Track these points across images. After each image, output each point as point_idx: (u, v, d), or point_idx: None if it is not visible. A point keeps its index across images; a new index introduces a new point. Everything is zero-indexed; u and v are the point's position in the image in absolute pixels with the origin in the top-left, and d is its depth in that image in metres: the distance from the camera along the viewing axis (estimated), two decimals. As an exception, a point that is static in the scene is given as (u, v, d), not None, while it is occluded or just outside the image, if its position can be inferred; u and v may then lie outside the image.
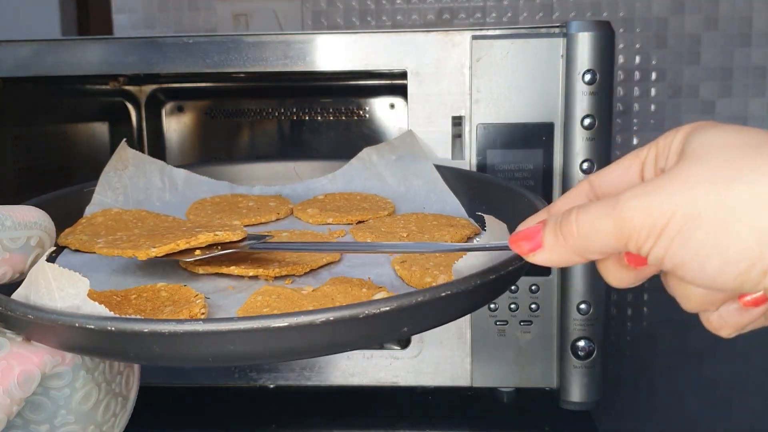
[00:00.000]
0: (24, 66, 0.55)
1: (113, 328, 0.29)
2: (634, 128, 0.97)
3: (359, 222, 0.50)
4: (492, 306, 0.54)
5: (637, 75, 0.96)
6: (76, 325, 0.30)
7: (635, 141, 0.97)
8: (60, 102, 0.72)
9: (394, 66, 0.53)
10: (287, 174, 0.60)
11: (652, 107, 0.97)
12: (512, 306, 0.53)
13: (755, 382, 0.63)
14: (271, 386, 0.57)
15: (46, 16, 0.97)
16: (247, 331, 0.28)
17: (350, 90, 0.85)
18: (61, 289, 0.34)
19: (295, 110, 0.89)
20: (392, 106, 0.87)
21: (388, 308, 0.29)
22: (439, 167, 0.54)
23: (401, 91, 0.82)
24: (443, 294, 0.31)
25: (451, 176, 0.53)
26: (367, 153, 0.58)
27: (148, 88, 0.85)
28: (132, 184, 0.54)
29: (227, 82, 0.83)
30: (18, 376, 0.33)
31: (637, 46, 0.96)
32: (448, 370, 0.55)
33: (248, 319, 0.28)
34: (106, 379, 0.38)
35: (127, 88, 0.83)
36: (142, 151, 0.85)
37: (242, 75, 0.57)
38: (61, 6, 0.97)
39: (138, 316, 0.34)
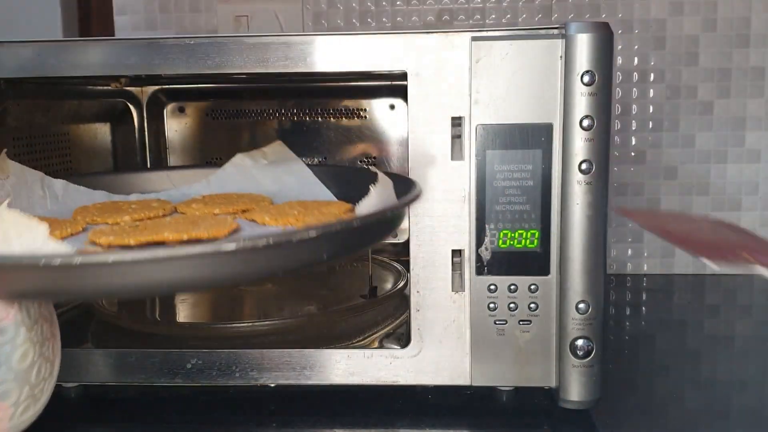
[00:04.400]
0: (26, 67, 0.55)
1: (79, 262, 0.30)
2: (633, 129, 0.97)
3: (244, 211, 0.53)
4: (491, 305, 0.54)
5: (635, 76, 0.97)
6: (41, 263, 0.30)
7: (633, 142, 0.98)
8: (61, 103, 0.72)
9: (394, 67, 0.53)
10: (161, 182, 0.63)
11: (651, 108, 0.97)
12: (511, 305, 0.54)
13: (755, 382, 0.64)
14: (272, 386, 0.57)
15: (47, 18, 0.97)
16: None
17: (350, 91, 0.85)
18: (19, 235, 0.35)
19: (295, 111, 0.89)
20: (392, 107, 0.87)
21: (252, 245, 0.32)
22: (308, 166, 0.60)
23: (401, 92, 0.82)
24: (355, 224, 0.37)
25: (318, 172, 0.60)
26: (239, 158, 0.61)
27: (150, 89, 0.85)
28: (14, 192, 0.55)
29: (228, 83, 0.83)
30: None
31: (636, 47, 0.96)
32: (447, 369, 0.55)
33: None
34: (39, 341, 0.39)
35: (128, 89, 0.83)
36: (144, 152, 0.85)
37: (243, 76, 0.57)
38: (63, 7, 0.97)
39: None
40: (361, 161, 0.90)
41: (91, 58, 0.54)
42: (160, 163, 0.88)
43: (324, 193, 0.58)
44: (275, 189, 0.59)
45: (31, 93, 0.66)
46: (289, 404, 0.59)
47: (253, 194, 0.58)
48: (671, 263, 1.00)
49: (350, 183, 0.58)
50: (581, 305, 0.52)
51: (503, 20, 0.97)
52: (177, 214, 0.54)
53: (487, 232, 0.53)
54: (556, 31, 0.51)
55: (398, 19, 0.98)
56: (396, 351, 0.56)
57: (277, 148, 0.62)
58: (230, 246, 0.32)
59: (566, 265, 0.52)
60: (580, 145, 0.51)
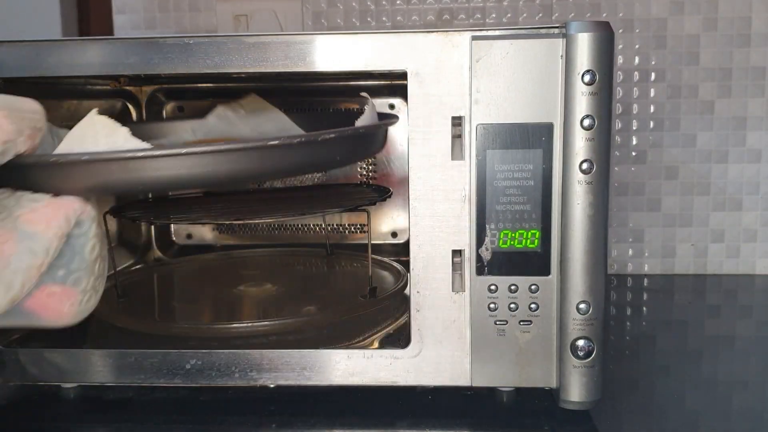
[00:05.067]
0: (25, 66, 0.55)
1: (161, 153, 0.43)
2: (634, 128, 0.97)
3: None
4: (492, 306, 0.54)
5: (636, 75, 0.96)
6: (138, 155, 0.42)
7: (634, 141, 0.97)
8: (60, 103, 0.72)
9: (394, 66, 0.53)
10: (152, 136, 0.65)
11: (652, 108, 0.97)
12: (512, 306, 0.54)
13: (755, 382, 0.64)
14: (271, 386, 0.57)
15: (46, 17, 0.97)
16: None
17: (350, 90, 0.85)
18: (107, 135, 0.44)
19: (295, 110, 0.89)
20: (392, 106, 0.87)
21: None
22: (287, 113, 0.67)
23: (401, 92, 0.82)
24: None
25: (298, 119, 0.67)
26: (221, 109, 0.67)
27: (149, 89, 0.85)
28: None
29: (228, 82, 0.83)
30: (64, 214, 0.41)
31: (637, 46, 0.96)
32: (447, 369, 0.55)
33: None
34: (101, 238, 0.44)
35: (127, 88, 0.83)
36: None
37: (243, 76, 0.57)
38: (62, 7, 0.97)
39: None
40: (360, 161, 0.90)
41: (90, 58, 0.54)
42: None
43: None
44: (256, 134, 0.64)
45: (30, 93, 0.66)
46: (289, 405, 0.59)
47: (235, 139, 0.64)
48: (672, 263, 0.99)
49: (328, 127, 0.58)
50: (582, 305, 0.52)
51: (504, 19, 0.97)
52: None
53: (488, 232, 0.53)
54: (556, 31, 0.51)
55: (398, 18, 0.98)
56: (396, 351, 0.55)
57: (253, 100, 0.67)
58: (275, 141, 0.45)
59: (567, 265, 0.52)
60: (581, 145, 0.51)
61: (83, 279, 0.43)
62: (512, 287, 0.53)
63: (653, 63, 0.96)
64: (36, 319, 0.43)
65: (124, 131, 0.45)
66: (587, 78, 0.50)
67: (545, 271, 0.53)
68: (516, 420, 0.56)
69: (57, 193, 0.42)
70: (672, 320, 0.82)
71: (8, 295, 0.39)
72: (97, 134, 0.45)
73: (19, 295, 0.39)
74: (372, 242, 0.73)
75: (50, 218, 0.41)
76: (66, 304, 0.43)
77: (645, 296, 0.92)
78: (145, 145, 0.43)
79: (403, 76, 0.53)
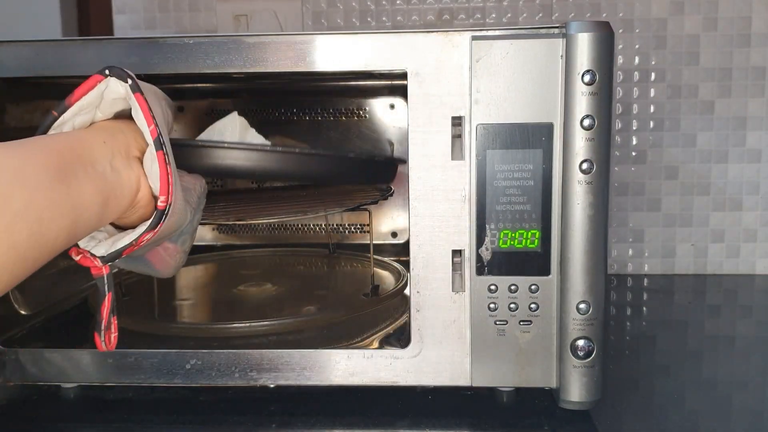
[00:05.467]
0: (25, 66, 0.55)
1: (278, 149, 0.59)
2: (634, 128, 0.97)
3: None
4: (492, 306, 0.54)
5: (636, 75, 0.96)
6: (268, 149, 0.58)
7: (634, 141, 0.97)
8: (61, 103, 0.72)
9: (394, 66, 0.53)
10: None
11: (651, 108, 0.97)
12: (512, 306, 0.54)
13: (755, 382, 0.63)
14: (271, 386, 0.57)
15: (46, 17, 0.97)
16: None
17: (350, 90, 0.85)
18: (242, 131, 0.59)
19: (295, 110, 0.89)
20: (392, 106, 0.87)
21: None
22: None
23: (401, 92, 0.82)
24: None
25: None
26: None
27: (149, 89, 0.85)
28: None
29: (227, 82, 0.83)
30: (200, 184, 0.53)
31: (637, 46, 0.96)
32: (447, 369, 0.55)
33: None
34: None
35: (127, 88, 0.83)
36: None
37: (243, 76, 0.57)
38: (62, 7, 0.97)
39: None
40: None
41: (90, 58, 0.54)
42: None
43: None
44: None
45: (30, 93, 0.66)
46: (289, 404, 0.59)
47: None
48: (672, 263, 0.99)
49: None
50: (582, 305, 0.52)
51: (504, 19, 0.97)
52: None
53: (488, 232, 0.53)
54: (556, 31, 0.51)
55: (398, 18, 0.98)
56: (396, 351, 0.55)
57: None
58: (351, 154, 0.66)
59: (567, 265, 0.52)
60: (581, 145, 0.51)
61: (188, 241, 0.52)
62: (512, 287, 0.53)
63: (653, 63, 0.96)
64: (150, 268, 0.51)
65: (253, 131, 0.60)
66: (587, 78, 0.50)
67: (545, 271, 0.53)
68: (516, 420, 0.56)
69: (189, 170, 0.52)
70: (672, 320, 0.82)
71: (184, 220, 0.49)
72: (235, 129, 0.59)
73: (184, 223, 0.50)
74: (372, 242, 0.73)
75: (195, 183, 0.52)
76: (174, 259, 0.52)
77: (645, 296, 0.92)
78: (267, 142, 0.59)
79: (403, 76, 0.53)
